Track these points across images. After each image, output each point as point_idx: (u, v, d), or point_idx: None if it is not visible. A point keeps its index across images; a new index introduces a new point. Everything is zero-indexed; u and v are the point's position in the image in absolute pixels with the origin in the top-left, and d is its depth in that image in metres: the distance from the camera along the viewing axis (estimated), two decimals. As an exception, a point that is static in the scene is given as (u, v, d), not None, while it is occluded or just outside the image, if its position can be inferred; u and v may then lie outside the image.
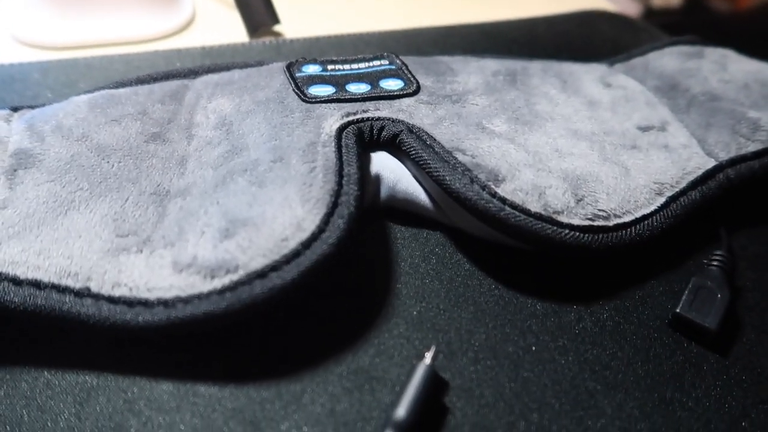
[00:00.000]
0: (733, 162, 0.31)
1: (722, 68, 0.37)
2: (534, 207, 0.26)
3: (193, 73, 0.34)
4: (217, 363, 0.24)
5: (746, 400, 0.24)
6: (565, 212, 0.27)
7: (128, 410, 0.22)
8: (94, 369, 0.23)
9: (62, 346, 0.24)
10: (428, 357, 0.23)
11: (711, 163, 0.31)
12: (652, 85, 0.36)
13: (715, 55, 0.38)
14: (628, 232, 0.28)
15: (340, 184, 0.26)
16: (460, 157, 0.28)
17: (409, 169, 0.30)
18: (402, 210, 0.30)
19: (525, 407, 0.23)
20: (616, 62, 0.40)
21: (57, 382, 0.23)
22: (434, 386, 0.23)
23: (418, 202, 0.29)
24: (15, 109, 0.30)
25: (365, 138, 0.29)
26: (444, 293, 0.27)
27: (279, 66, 0.34)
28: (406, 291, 0.27)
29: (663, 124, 0.33)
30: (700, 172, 0.30)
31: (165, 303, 0.22)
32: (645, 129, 0.32)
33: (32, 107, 0.31)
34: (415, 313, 0.26)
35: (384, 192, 0.29)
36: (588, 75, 0.37)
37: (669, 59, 0.38)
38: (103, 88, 0.32)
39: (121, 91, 0.32)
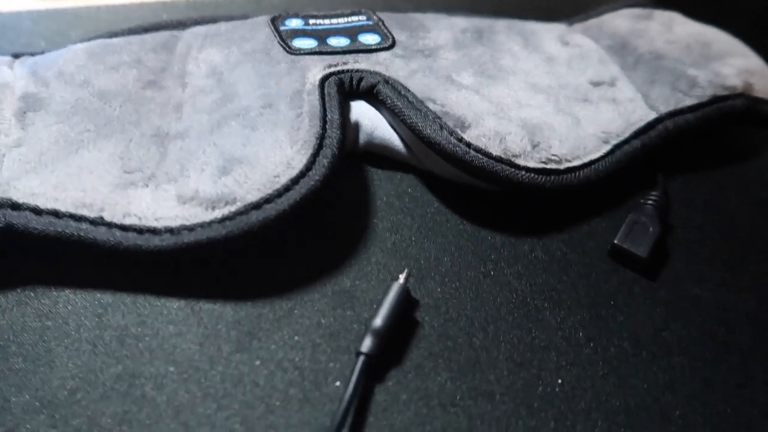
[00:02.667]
0: (672, 114, 0.35)
1: (668, 29, 0.40)
2: (495, 151, 0.30)
3: (181, 25, 0.36)
4: (219, 284, 0.27)
5: (668, 316, 0.29)
6: (523, 156, 0.30)
7: (141, 323, 0.25)
8: (109, 289, 0.26)
9: (80, 269, 0.27)
10: (402, 278, 0.27)
11: (652, 116, 0.35)
12: (606, 44, 0.40)
13: (662, 17, 0.42)
14: (577, 175, 0.31)
15: (324, 129, 0.29)
16: (431, 105, 0.31)
17: (385, 117, 0.33)
18: (379, 154, 0.33)
19: (483, 321, 0.27)
20: (575, 22, 0.43)
21: (77, 300, 0.26)
22: (406, 303, 0.26)
23: (393, 147, 0.32)
24: (16, 56, 0.32)
25: (345, 88, 0.32)
26: (416, 227, 0.30)
27: (263, 20, 0.36)
28: (382, 225, 0.30)
29: (613, 79, 0.36)
30: (642, 123, 0.34)
31: (171, 231, 0.25)
32: (596, 84, 0.36)
33: (32, 54, 0.33)
34: (389, 243, 0.30)
35: (362, 137, 0.33)
36: (548, 33, 0.40)
37: (621, 20, 0.41)
38: (97, 37, 0.34)
39: (115, 40, 0.34)
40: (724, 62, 0.37)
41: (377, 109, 0.33)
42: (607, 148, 0.33)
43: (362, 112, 0.32)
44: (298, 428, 0.23)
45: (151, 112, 0.30)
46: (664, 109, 0.35)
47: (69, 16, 0.40)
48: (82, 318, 0.25)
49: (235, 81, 0.32)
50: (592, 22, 0.42)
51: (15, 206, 0.25)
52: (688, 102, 0.35)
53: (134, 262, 0.26)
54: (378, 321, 0.25)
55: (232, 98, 0.30)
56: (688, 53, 0.38)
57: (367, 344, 0.24)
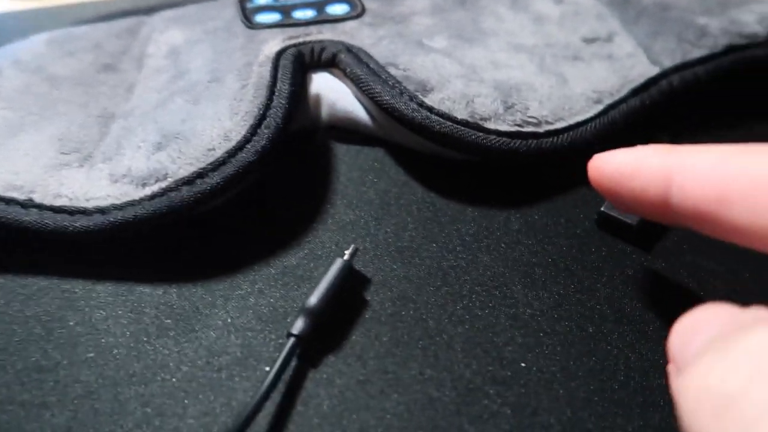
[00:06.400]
0: (678, 69, 0.31)
1: (678, -22, 0.36)
2: (460, 114, 0.27)
3: (152, 10, 0.36)
4: (155, 266, 0.25)
5: (664, 290, 0.25)
6: (493, 119, 0.27)
7: (69, 307, 0.24)
8: (39, 273, 0.25)
9: (10, 253, 0.26)
10: (347, 254, 0.24)
11: (654, 71, 0.31)
12: (606, -1, 0.36)
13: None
14: (560, 139, 0.28)
15: (270, 99, 0.27)
16: (392, 71, 0.29)
17: (349, 89, 0.30)
18: (344, 128, 0.31)
19: (442, 300, 0.24)
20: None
21: (6, 284, 0.25)
22: (351, 280, 0.24)
23: (357, 119, 0.30)
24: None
25: (306, 60, 0.30)
26: (378, 202, 0.28)
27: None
28: (341, 201, 0.28)
29: (610, 35, 0.33)
30: (642, 80, 0.30)
31: (102, 210, 0.24)
32: (590, 41, 0.32)
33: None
34: (347, 219, 0.27)
35: (324, 110, 0.30)
36: (541, -8, 0.36)
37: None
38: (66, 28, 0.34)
39: (80, 28, 0.33)
40: (744, 8, 0.33)
41: (342, 81, 0.31)
42: (598, 108, 0.29)
43: (324, 83, 0.30)
44: (221, 415, 0.21)
45: (101, 94, 0.29)
46: (669, 63, 0.31)
47: (51, 15, 0.40)
48: (11, 303, 0.24)
49: (190, 59, 0.30)
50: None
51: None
52: (697, 54, 0.31)
53: (65, 244, 0.25)
54: (312, 300, 0.23)
55: (183, 75, 0.29)
56: (701, 1, 0.34)
57: (299, 325, 0.22)
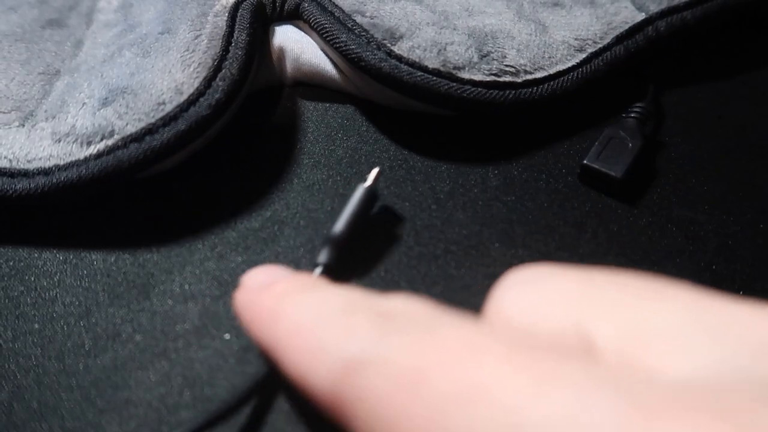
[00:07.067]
0: (664, 14, 0.29)
1: None
2: (432, 63, 0.25)
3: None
4: (106, 232, 0.24)
5: (651, 246, 0.23)
6: (467, 68, 0.26)
7: (13, 276, 0.22)
8: (-18, 241, 0.23)
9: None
10: (370, 178, 0.23)
11: (640, 17, 0.29)
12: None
13: None
14: (540, 89, 0.26)
15: (226, 50, 0.25)
16: (358, 19, 0.27)
17: (315, 41, 0.28)
18: (311, 84, 0.29)
19: (414, 259, 0.23)
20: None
21: (-54, 254, 0.23)
22: (371, 204, 0.23)
23: (324, 73, 0.28)
24: None
25: (268, 11, 0.28)
26: (347, 161, 0.26)
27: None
28: (308, 160, 0.26)
29: (592, -20, 0.31)
30: (627, 27, 0.28)
31: (44, 172, 0.22)
32: (573, -14, 0.31)
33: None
34: (314, 179, 0.26)
35: (289, 65, 0.29)
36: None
37: None
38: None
39: (26, -17, 0.31)
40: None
41: (307, 33, 0.29)
42: (581, 56, 0.28)
43: (288, 36, 0.28)
44: (177, 386, 0.20)
45: (45, 51, 0.27)
46: (655, 8, 0.29)
47: None
48: (-49, 274, 0.22)
49: (142, 11, 0.28)
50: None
51: None
52: (685, -2, 0.29)
53: (6, 209, 0.23)
54: (337, 228, 0.21)
55: (134, 29, 0.27)
56: (689, -58, 0.32)
57: (324, 254, 0.21)
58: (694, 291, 0.12)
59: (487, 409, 0.11)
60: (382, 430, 0.12)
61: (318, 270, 0.21)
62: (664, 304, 0.12)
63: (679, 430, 0.09)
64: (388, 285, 0.22)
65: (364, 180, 0.23)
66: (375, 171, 0.23)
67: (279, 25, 0.29)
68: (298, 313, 0.15)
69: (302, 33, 0.29)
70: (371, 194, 0.23)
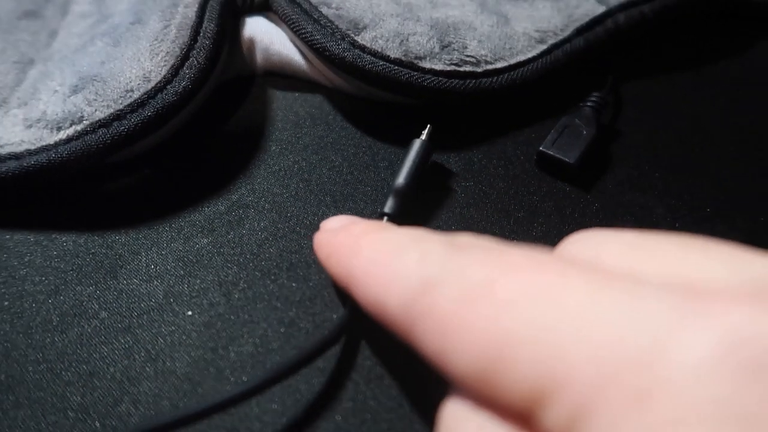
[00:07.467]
0: (624, 7, 0.30)
1: None
2: (393, 53, 0.26)
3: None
4: (77, 214, 0.24)
5: (601, 226, 0.24)
6: (428, 58, 0.26)
7: (-16, 256, 0.23)
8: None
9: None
10: (424, 134, 0.25)
11: (600, 10, 0.30)
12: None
13: None
14: (500, 79, 0.27)
15: (194, 39, 0.26)
16: (324, 10, 0.27)
17: (284, 32, 0.29)
18: (281, 74, 0.30)
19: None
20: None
21: None
22: (429, 157, 0.25)
23: (292, 63, 0.29)
24: None
25: (238, 3, 0.29)
26: (313, 147, 0.27)
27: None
28: (275, 146, 0.27)
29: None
30: (587, 19, 0.29)
31: (16, 156, 0.23)
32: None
33: None
34: (281, 165, 0.26)
35: (259, 55, 0.29)
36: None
37: None
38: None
39: (4, -25, 0.32)
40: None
41: (277, 24, 0.29)
42: (541, 48, 0.29)
43: (258, 27, 0.29)
44: (140, 359, 0.20)
45: (20, 41, 0.28)
46: (615, 1, 0.30)
47: None
48: (-75, 255, 0.23)
49: (115, 2, 0.29)
50: None
51: None
52: (644, -9, 0.30)
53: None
54: (400, 180, 0.23)
55: (107, 19, 0.28)
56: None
57: (390, 204, 0.23)
58: (738, 247, 0.13)
59: (552, 307, 0.12)
60: (453, 339, 0.13)
61: (384, 219, 0.23)
62: (710, 253, 0.13)
63: (736, 311, 0.10)
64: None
65: (419, 135, 0.25)
66: (428, 127, 0.25)
67: (250, 16, 0.30)
68: (374, 246, 0.17)
69: (272, 24, 0.29)
70: (427, 148, 0.24)
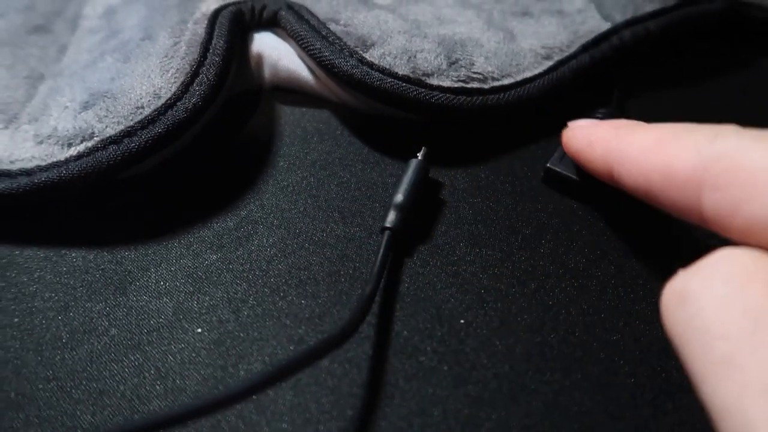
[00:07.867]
0: (629, 24, 0.30)
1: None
2: (402, 70, 0.26)
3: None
4: (86, 230, 0.25)
5: (608, 246, 0.24)
6: (436, 75, 0.27)
7: (-6, 273, 0.23)
8: (-36, 240, 0.24)
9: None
10: (420, 155, 0.25)
11: (605, 26, 0.30)
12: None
13: None
14: (507, 95, 0.27)
15: (204, 56, 0.26)
16: (332, 27, 0.28)
17: (292, 48, 0.30)
18: (288, 90, 0.30)
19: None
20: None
21: (-69, 252, 0.24)
22: (426, 176, 0.25)
23: (300, 78, 0.29)
24: None
25: (246, 18, 0.29)
26: (321, 163, 0.27)
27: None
28: (283, 162, 0.27)
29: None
30: (593, 35, 0.30)
31: (26, 173, 0.23)
32: (539, -3, 0.32)
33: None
34: (288, 180, 0.27)
35: (267, 71, 0.30)
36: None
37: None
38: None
39: (15, -10, 0.32)
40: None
41: (285, 40, 0.30)
42: (548, 64, 0.29)
43: (266, 43, 0.29)
44: (150, 377, 0.21)
45: (30, 56, 0.28)
46: (621, 18, 0.30)
47: None
48: (-65, 271, 0.23)
49: (125, 18, 0.29)
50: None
51: None
52: (649, 8, 0.30)
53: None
54: (399, 197, 0.24)
55: (117, 35, 0.28)
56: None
57: (391, 219, 0.23)
58: None
59: None
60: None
61: (386, 234, 0.23)
62: None
63: None
64: (356, 281, 0.23)
65: (415, 156, 0.25)
66: (423, 149, 0.26)
67: (258, 32, 0.30)
68: (650, 129, 0.19)
69: (280, 40, 0.30)
70: (423, 167, 0.25)
